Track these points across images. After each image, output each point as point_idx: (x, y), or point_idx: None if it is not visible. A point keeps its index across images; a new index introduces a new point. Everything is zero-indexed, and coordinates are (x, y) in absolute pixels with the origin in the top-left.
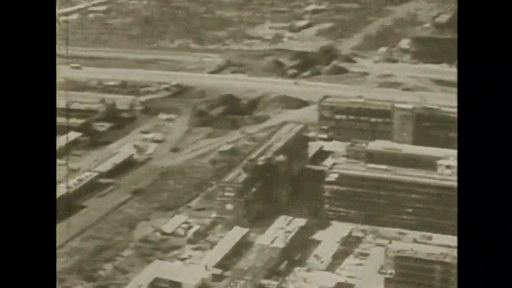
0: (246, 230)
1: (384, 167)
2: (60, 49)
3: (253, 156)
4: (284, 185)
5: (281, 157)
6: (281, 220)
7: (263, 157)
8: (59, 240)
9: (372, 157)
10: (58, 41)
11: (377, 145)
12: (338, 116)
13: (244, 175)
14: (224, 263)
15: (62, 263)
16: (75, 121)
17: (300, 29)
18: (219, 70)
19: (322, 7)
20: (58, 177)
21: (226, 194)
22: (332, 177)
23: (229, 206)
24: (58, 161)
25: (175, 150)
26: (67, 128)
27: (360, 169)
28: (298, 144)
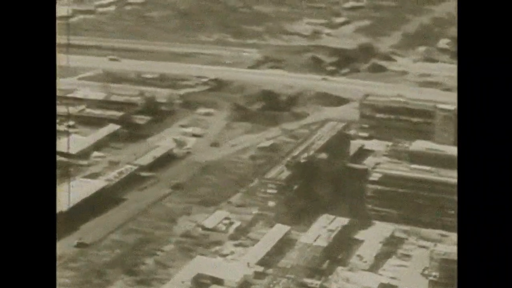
0: (287, 227)
1: (427, 168)
2: (95, 41)
3: (295, 153)
4: (325, 183)
5: (323, 155)
6: (324, 219)
7: (305, 155)
8: (100, 232)
9: (415, 157)
10: (93, 32)
11: (420, 145)
12: (379, 115)
13: (286, 173)
14: (267, 261)
15: (103, 256)
16: (114, 113)
17: (338, 26)
18: (257, 65)
19: (360, 4)
20: (98, 170)
21: (268, 191)
22: (375, 176)
23: (271, 203)
24: (97, 153)
25: (214, 145)
26: (107, 120)
27: (403, 170)
28: (340, 142)
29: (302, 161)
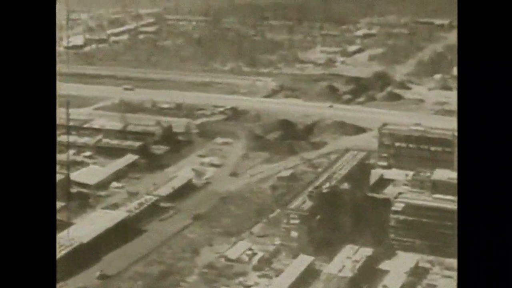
0: (311, 258)
1: (450, 197)
2: (109, 70)
3: (317, 183)
4: (348, 213)
5: (345, 185)
6: (347, 249)
7: (327, 185)
8: (122, 264)
9: (437, 186)
10: (107, 62)
11: (441, 174)
12: (398, 144)
13: (309, 203)
14: None
15: None
16: (132, 143)
17: (352, 53)
18: (272, 94)
19: (373, 31)
20: (117, 200)
21: (291, 221)
22: (398, 206)
23: (293, 234)
24: (116, 184)
25: (233, 174)
26: (125, 151)
27: (426, 199)
28: (361, 172)
29: (325, 191)
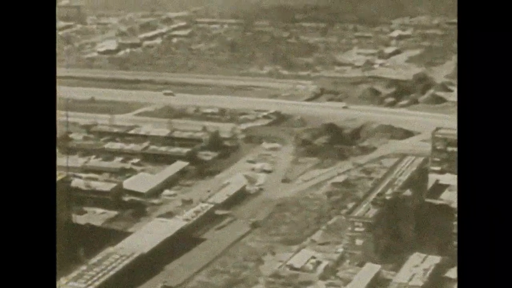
0: (378, 266)
1: None
2: (146, 75)
3: (379, 190)
4: (411, 220)
5: (407, 192)
6: (415, 257)
7: (389, 191)
8: (184, 274)
9: None
10: (142, 66)
11: None
12: (450, 149)
13: (373, 210)
14: None
15: None
16: (180, 150)
17: (389, 55)
18: (314, 97)
19: (407, 33)
20: (171, 209)
21: (356, 229)
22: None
23: (358, 241)
24: (168, 192)
25: (286, 181)
26: (173, 157)
27: None
28: (420, 178)
29: (387, 198)
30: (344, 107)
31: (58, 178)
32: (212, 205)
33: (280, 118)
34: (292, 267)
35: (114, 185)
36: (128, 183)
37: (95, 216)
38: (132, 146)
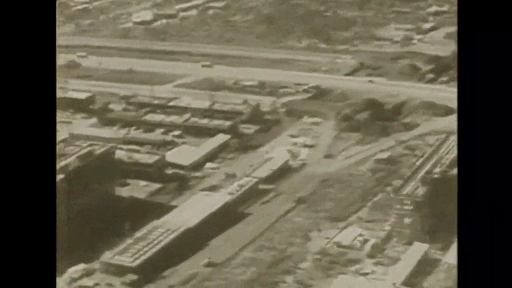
0: (426, 246)
1: None
2: (183, 46)
3: (426, 168)
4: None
5: (454, 171)
6: None
7: (437, 170)
8: (230, 250)
9: None
10: (179, 38)
11: None
12: None
13: (422, 189)
14: (411, 281)
15: (238, 274)
16: (221, 123)
17: (427, 31)
18: (353, 72)
19: (443, 9)
20: (215, 182)
21: (405, 207)
22: None
23: (406, 220)
24: (211, 165)
25: (328, 156)
26: (215, 130)
27: None
28: None
29: (436, 176)
30: (370, 81)
31: (102, 149)
32: (256, 180)
33: (320, 92)
34: (339, 245)
35: (157, 157)
36: (170, 156)
37: (138, 189)
38: (173, 118)
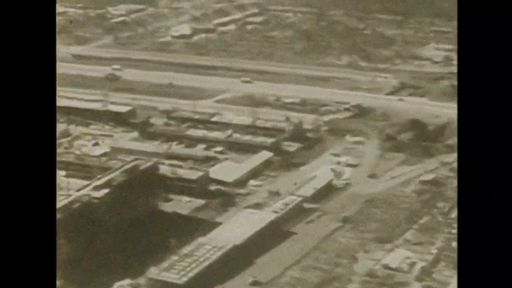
0: None
1: None
2: (221, 61)
3: None
4: None
5: None
6: None
7: None
8: (275, 269)
9: None
10: (218, 52)
11: None
12: None
13: None
14: None
15: None
16: (264, 139)
17: None
18: (395, 91)
19: None
20: (258, 200)
21: (453, 231)
22: None
23: (454, 244)
24: (254, 182)
25: (372, 176)
26: (257, 147)
27: None
28: None
29: None
30: (400, 100)
31: (147, 164)
32: (300, 198)
33: (362, 111)
34: (387, 267)
35: (200, 173)
36: (214, 172)
37: (182, 204)
38: (215, 134)
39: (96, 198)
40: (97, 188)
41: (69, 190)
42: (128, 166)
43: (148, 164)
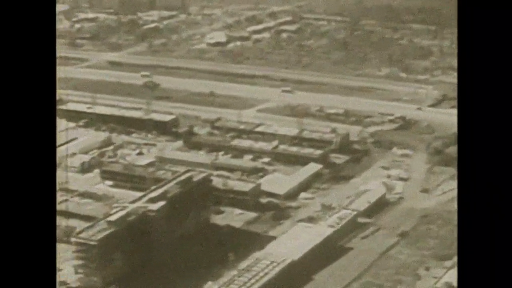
0: None
1: None
2: (260, 70)
3: None
4: None
5: None
6: None
7: None
8: (335, 285)
9: None
10: (254, 61)
11: None
12: None
13: None
14: None
15: None
16: (311, 151)
17: None
18: (437, 103)
19: None
20: (311, 213)
21: None
22: None
23: None
24: (305, 195)
25: (424, 191)
26: (305, 158)
27: None
28: None
29: None
30: (418, 108)
31: (200, 176)
32: (354, 213)
33: (406, 123)
34: (450, 285)
35: (252, 185)
36: (263, 184)
37: (233, 217)
38: (261, 145)
39: (152, 210)
40: (152, 200)
41: (117, 200)
42: (182, 178)
43: (202, 175)
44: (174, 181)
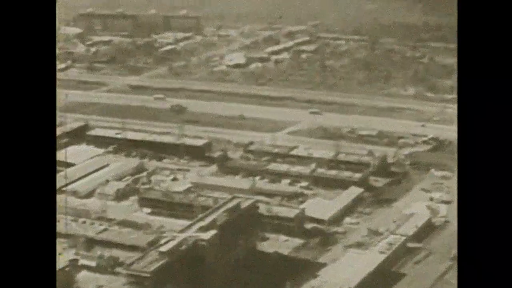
0: None
1: None
2: (284, 92)
3: None
4: None
5: None
6: None
7: None
8: None
9: None
10: (277, 83)
11: None
12: None
13: None
14: None
15: None
16: (350, 174)
17: None
18: None
19: None
20: (359, 239)
21: None
22: None
23: None
24: (350, 219)
25: None
26: (344, 182)
27: None
28: None
29: None
30: (422, 126)
31: (247, 203)
32: (404, 237)
33: (440, 144)
34: None
35: (297, 211)
36: (308, 209)
37: (279, 244)
38: (298, 168)
39: (203, 240)
40: (202, 228)
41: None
42: (230, 205)
43: (249, 202)
44: (222, 209)
